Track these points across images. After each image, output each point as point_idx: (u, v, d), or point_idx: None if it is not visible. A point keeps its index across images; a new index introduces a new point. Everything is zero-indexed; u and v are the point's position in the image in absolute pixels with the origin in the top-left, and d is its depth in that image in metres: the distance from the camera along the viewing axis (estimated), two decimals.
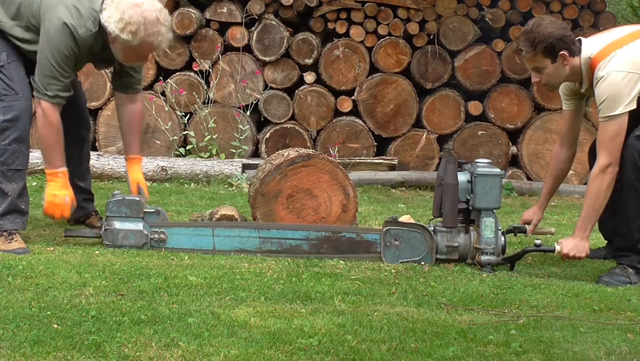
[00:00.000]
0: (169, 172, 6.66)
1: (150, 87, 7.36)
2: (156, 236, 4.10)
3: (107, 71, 7.22)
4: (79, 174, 4.56)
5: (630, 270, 3.91)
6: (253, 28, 7.31)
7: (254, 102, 7.33)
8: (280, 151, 4.75)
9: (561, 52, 3.91)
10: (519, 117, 7.35)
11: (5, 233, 4.02)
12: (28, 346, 2.64)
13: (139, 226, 4.10)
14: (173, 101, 7.21)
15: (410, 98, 7.34)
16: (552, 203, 5.01)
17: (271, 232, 4.12)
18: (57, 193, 4.09)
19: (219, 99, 7.36)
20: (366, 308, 3.25)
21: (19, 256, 3.82)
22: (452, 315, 3.21)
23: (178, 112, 7.25)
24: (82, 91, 4.81)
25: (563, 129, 4.38)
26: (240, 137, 7.23)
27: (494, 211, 4.06)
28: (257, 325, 2.96)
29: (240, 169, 6.72)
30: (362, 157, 7.25)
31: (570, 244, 3.91)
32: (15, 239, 4.02)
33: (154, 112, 7.20)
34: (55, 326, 2.83)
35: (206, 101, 7.30)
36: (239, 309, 3.14)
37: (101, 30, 4.03)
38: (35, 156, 6.63)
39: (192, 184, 6.63)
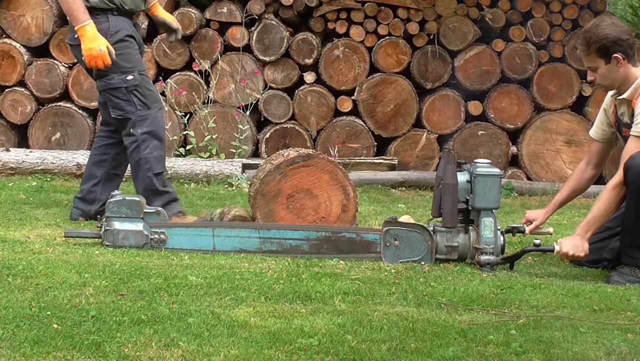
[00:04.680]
0: (169, 172, 6.66)
1: None
2: (156, 236, 4.11)
3: None
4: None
5: (639, 270, 3.91)
6: (253, 28, 7.31)
7: (254, 102, 7.34)
8: (280, 151, 4.76)
9: (615, 55, 3.96)
10: (519, 117, 7.35)
11: (180, 214, 4.67)
12: (28, 346, 2.64)
13: (139, 226, 4.10)
14: (173, 101, 7.21)
15: (410, 98, 7.34)
16: None
17: (271, 232, 4.12)
18: (91, 45, 4.48)
19: (218, 99, 7.36)
20: (366, 308, 3.25)
21: (19, 256, 3.83)
22: (452, 315, 3.21)
23: (178, 112, 7.25)
24: None
25: (593, 151, 4.43)
26: (240, 137, 7.24)
27: (493, 211, 4.06)
28: (257, 325, 2.96)
29: (240, 169, 6.72)
30: (362, 157, 7.25)
31: (570, 244, 3.91)
32: (186, 215, 4.69)
33: None
34: (55, 326, 2.83)
35: (206, 101, 7.31)
36: (239, 309, 3.14)
37: None
38: (35, 156, 6.66)
39: (192, 184, 6.64)
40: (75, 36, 4.61)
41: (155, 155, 4.68)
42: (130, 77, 4.62)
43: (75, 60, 4.76)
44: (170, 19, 5.13)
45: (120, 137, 4.85)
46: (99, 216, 4.74)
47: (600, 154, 4.40)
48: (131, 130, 4.68)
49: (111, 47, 4.54)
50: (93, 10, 4.62)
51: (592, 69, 4.08)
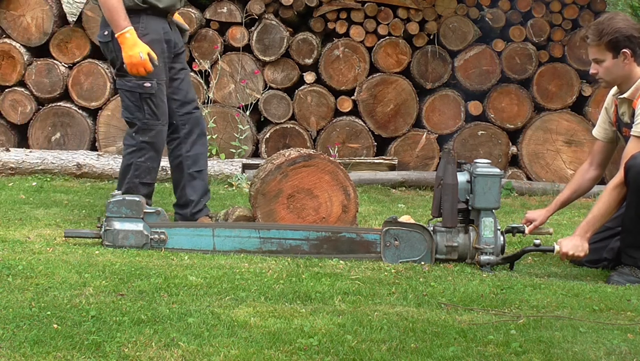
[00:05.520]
0: (169, 172, 6.65)
1: None
2: (156, 236, 4.11)
3: (107, 70, 7.22)
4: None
5: (639, 270, 3.91)
6: (253, 28, 7.31)
7: (254, 102, 7.34)
8: (281, 151, 4.76)
9: (624, 50, 3.97)
10: (519, 117, 7.35)
11: None
12: (28, 346, 2.64)
13: (139, 226, 4.10)
14: None
15: (410, 98, 7.34)
16: None
17: (271, 232, 4.12)
18: (131, 52, 4.45)
19: (218, 99, 7.36)
20: (366, 308, 3.25)
21: (19, 256, 3.83)
22: (452, 315, 3.21)
23: None
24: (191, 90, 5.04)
25: (596, 150, 4.43)
26: (240, 137, 7.24)
27: (493, 211, 4.06)
28: (257, 325, 2.96)
29: (240, 169, 6.72)
30: (362, 157, 7.25)
31: (570, 244, 3.91)
32: None
33: None
34: (55, 326, 2.83)
35: (206, 101, 7.30)
36: (239, 309, 3.14)
37: None
38: (35, 156, 6.66)
39: None
40: (105, 33, 4.60)
41: (148, 165, 4.66)
42: (147, 84, 4.57)
43: (107, 58, 4.77)
44: (181, 20, 5.07)
45: (181, 135, 4.85)
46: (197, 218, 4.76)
47: (603, 153, 4.39)
48: (133, 134, 4.67)
49: (152, 53, 4.49)
50: (127, 10, 4.56)
51: (598, 61, 4.08)
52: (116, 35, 4.48)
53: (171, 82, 4.79)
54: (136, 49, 4.44)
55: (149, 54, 4.48)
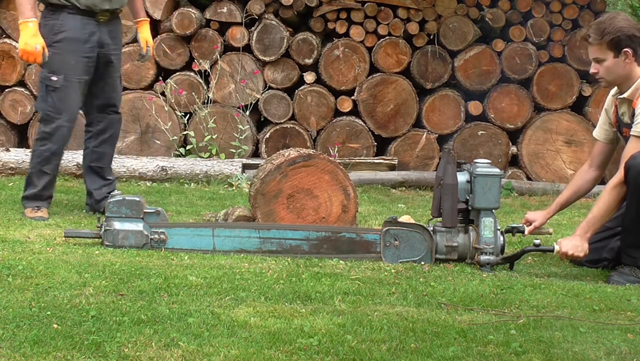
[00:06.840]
0: (169, 172, 6.67)
1: (150, 87, 7.36)
2: (156, 236, 4.10)
3: None
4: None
5: (639, 270, 3.91)
6: (253, 28, 7.31)
7: (254, 102, 7.34)
8: (281, 151, 4.76)
9: (625, 49, 3.97)
10: (519, 117, 7.35)
11: (34, 207, 4.83)
12: (28, 346, 2.64)
13: (139, 226, 4.10)
14: (173, 101, 7.21)
15: (410, 98, 7.34)
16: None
17: (271, 232, 4.12)
18: (29, 41, 4.66)
19: (218, 99, 7.36)
20: (366, 308, 3.25)
21: (19, 256, 3.83)
22: (452, 315, 3.21)
23: (178, 113, 7.25)
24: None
25: (596, 151, 4.42)
26: (240, 137, 7.24)
27: (493, 211, 4.06)
28: (257, 325, 2.96)
29: (240, 169, 6.72)
30: (362, 157, 7.25)
31: (570, 244, 3.91)
32: (41, 210, 4.82)
33: (153, 112, 7.21)
34: (55, 326, 2.83)
35: (206, 101, 7.31)
36: (239, 309, 3.14)
37: None
38: None
39: (192, 184, 6.64)
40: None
41: (47, 155, 4.88)
42: (54, 78, 4.79)
43: None
44: (143, 44, 5.24)
45: (94, 130, 5.13)
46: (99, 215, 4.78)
47: (603, 154, 4.39)
48: (39, 123, 4.97)
49: (46, 50, 4.70)
50: (49, 5, 4.80)
51: (599, 60, 4.07)
52: (19, 23, 4.70)
53: (96, 82, 4.97)
54: (34, 40, 4.65)
55: (44, 49, 4.68)
